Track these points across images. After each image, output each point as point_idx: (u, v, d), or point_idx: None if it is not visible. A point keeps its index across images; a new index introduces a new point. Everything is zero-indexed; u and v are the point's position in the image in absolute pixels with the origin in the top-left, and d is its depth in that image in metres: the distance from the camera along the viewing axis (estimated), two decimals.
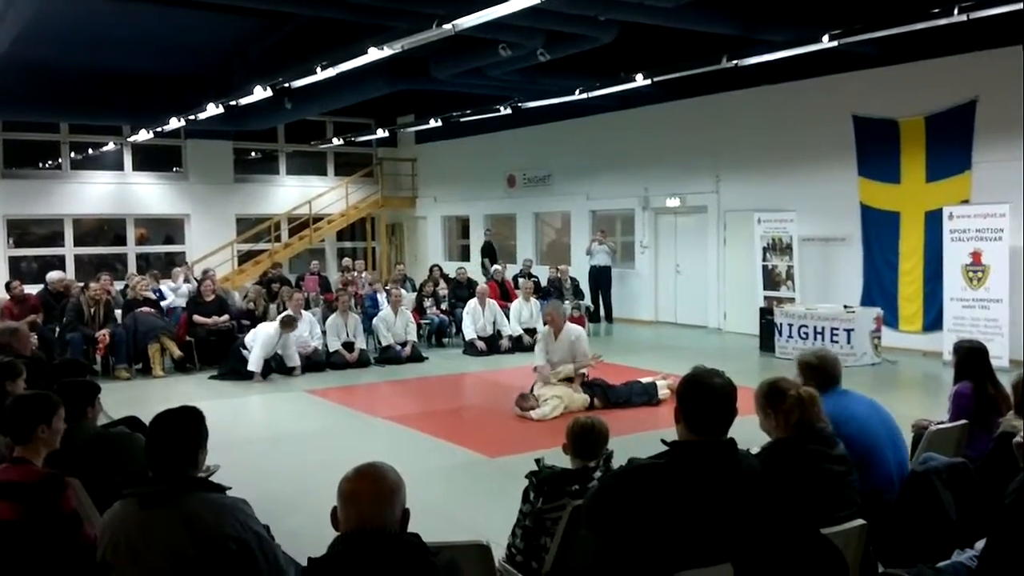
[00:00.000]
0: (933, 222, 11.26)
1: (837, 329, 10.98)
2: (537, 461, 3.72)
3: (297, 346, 11.06)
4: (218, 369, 10.94)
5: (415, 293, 14.18)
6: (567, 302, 13.36)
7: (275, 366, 10.80)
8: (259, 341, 10.55)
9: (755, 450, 3.23)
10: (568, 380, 8.72)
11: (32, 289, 12.12)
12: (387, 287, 13.60)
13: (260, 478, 5.95)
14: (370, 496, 2.25)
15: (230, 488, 2.87)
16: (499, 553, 3.45)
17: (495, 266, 15.55)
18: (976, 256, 10.50)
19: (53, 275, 12.43)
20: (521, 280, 14.10)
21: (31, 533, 3.14)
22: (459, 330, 12.99)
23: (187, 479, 2.80)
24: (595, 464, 3.61)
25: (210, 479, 3.01)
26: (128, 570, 2.71)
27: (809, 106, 12.85)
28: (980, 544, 3.20)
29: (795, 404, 3.42)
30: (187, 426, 2.89)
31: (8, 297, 11.16)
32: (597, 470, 3.59)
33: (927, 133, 11.44)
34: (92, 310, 10.81)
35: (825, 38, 9.66)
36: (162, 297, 12.70)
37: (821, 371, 4.05)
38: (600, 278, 15.61)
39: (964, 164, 11.08)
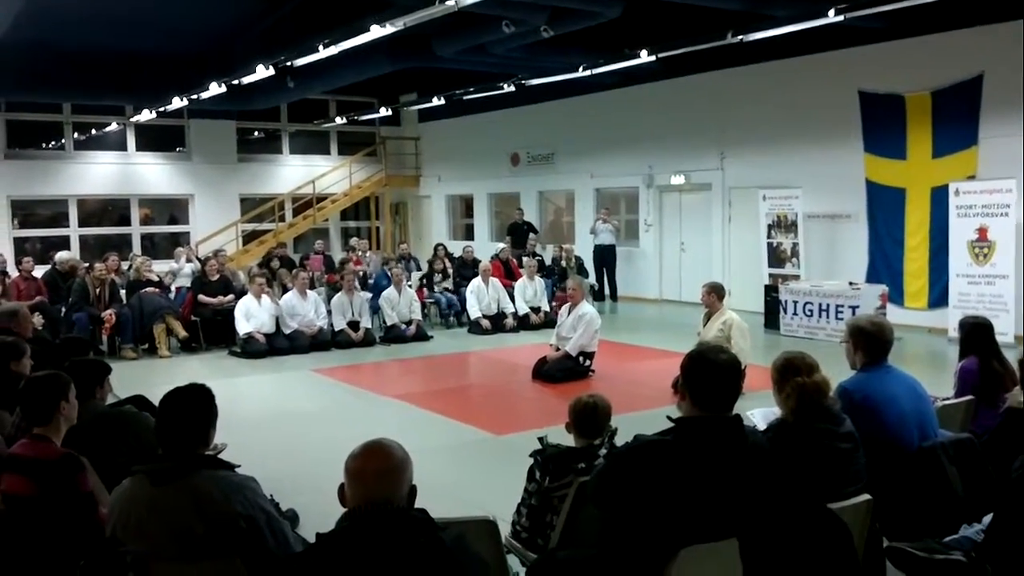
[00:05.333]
0: (939, 198, 11.20)
1: (842, 306, 10.95)
2: (540, 439, 3.72)
3: (302, 325, 11.15)
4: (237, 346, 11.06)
5: (419, 272, 14.15)
6: (570, 280, 13.33)
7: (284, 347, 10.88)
8: (239, 312, 10.93)
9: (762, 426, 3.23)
10: None
11: (36, 270, 12.13)
12: (387, 266, 13.57)
13: (267, 456, 5.96)
14: (377, 472, 2.25)
15: (239, 466, 2.89)
16: (505, 529, 3.47)
17: (501, 245, 15.47)
18: (982, 232, 10.45)
19: (62, 255, 12.45)
20: (525, 259, 14.09)
21: (46, 511, 3.16)
22: (463, 309, 13.00)
23: (196, 457, 2.82)
24: (600, 441, 3.61)
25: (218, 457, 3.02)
26: (137, 546, 2.74)
27: (814, 82, 12.74)
28: (987, 518, 3.21)
29: (794, 391, 3.37)
30: (198, 404, 2.91)
31: (18, 273, 11.19)
32: (602, 447, 3.58)
33: (933, 108, 11.35)
34: (97, 290, 10.85)
35: (831, 12, 9.57)
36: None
37: (874, 339, 3.86)
38: (605, 257, 15.58)
39: (970, 139, 11.00)
